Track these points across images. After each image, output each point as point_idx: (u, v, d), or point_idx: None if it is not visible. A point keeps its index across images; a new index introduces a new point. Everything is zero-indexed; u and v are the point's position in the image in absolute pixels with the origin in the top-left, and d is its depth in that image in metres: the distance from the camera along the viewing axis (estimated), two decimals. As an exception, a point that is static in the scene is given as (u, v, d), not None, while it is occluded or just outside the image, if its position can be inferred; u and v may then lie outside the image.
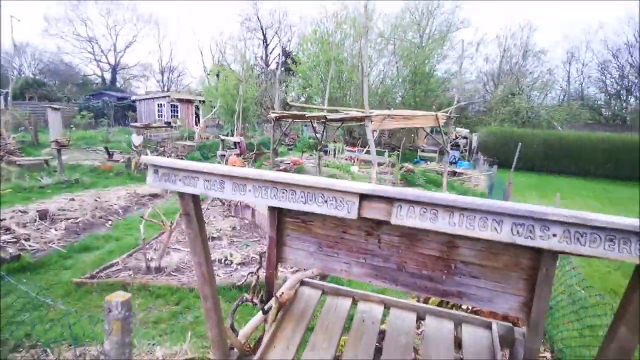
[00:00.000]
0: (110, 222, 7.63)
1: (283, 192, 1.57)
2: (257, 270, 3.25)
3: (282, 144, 25.53)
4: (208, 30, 68.83)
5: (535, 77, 29.38)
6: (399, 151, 19.13)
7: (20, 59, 39.39)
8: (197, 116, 35.11)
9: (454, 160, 19.42)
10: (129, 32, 48.58)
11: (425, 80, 22.66)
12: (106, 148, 14.10)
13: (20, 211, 6.94)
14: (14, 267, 5.17)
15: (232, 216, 8.53)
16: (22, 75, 37.77)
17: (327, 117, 6.82)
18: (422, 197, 1.38)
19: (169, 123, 18.59)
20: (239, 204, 8.76)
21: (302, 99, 35.66)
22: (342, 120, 6.55)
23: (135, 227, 7.48)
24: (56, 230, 6.52)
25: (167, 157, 13.90)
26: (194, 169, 1.70)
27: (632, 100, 35.31)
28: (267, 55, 46.17)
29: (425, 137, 25.83)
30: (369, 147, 15.17)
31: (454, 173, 15.30)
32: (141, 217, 5.66)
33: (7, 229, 6.10)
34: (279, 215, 2.95)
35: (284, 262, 3.19)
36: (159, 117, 32.11)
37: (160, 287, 4.92)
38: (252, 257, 6.18)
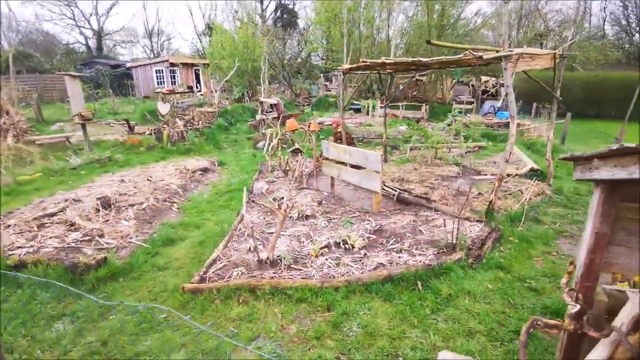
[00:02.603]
0: (176, 206, 6.51)
1: None
2: (567, 281, 2.20)
3: (297, 105, 23.97)
4: (194, -14, 63.77)
5: (562, 17, 27.34)
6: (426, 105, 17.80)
7: (-4, 31, 35.94)
8: (199, 80, 32.91)
9: (493, 111, 18.15)
10: (110, -8, 44.40)
11: (454, 26, 20.77)
12: (127, 121, 12.64)
13: (74, 200, 5.77)
14: (102, 276, 4.10)
15: (306, 188, 7.41)
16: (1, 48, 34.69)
17: (443, 60, 5.51)
18: None
19: (191, 87, 16.89)
20: (314, 173, 7.63)
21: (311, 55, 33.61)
22: (457, 64, 5.28)
23: (206, 209, 6.42)
24: (127, 220, 5.40)
25: (196, 125, 12.52)
26: None
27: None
28: (262, 10, 42.85)
29: (452, 88, 24.34)
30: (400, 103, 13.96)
31: (507, 125, 14.12)
32: (252, 200, 4.54)
33: (72, 224, 4.97)
34: (609, 197, 1.88)
35: (607, 268, 2.15)
36: (158, 84, 29.98)
37: (297, 289, 3.90)
38: (369, 237, 5.16)
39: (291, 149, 8.11)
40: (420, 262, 4.46)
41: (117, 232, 4.99)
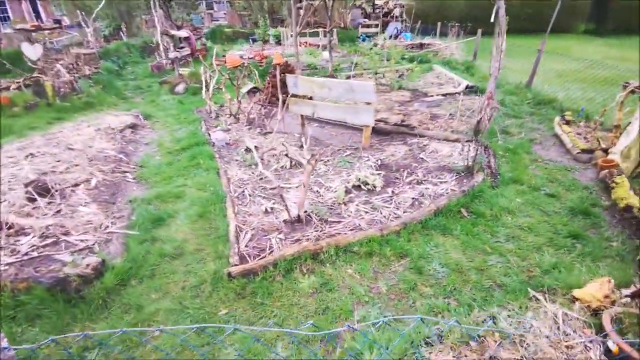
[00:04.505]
0: (130, 176, 5.14)
1: None
2: None
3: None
4: None
5: None
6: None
7: None
8: (38, 13, 25.47)
9: (397, 33, 18.53)
10: None
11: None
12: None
13: (-19, 193, 4.04)
14: (110, 284, 3.03)
15: (268, 132, 6.58)
16: None
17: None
18: None
19: (59, 21, 12.77)
20: (282, 113, 6.78)
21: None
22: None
23: (172, 173, 5.29)
24: (85, 206, 4.04)
25: (83, 72, 9.88)
26: None
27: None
28: None
29: (350, 12, 23.83)
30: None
31: (421, 45, 14.61)
32: (286, 154, 3.75)
33: (9, 226, 3.48)
34: None
35: None
36: (-23, 20, 22.37)
37: (361, 243, 3.51)
38: (378, 173, 4.90)
39: (247, 88, 6.95)
40: (449, 190, 4.44)
41: (85, 225, 3.70)
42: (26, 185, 3.99)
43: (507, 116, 7.27)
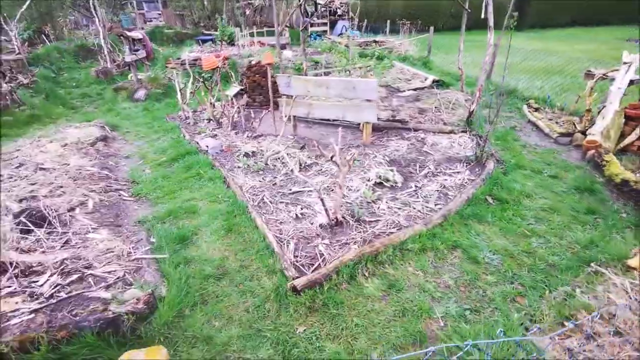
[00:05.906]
0: (125, 194, 4.58)
1: None
2: None
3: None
4: None
5: None
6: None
7: None
8: None
9: (345, 31, 18.82)
10: None
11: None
12: None
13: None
14: (169, 318, 2.65)
15: (261, 135, 6.29)
16: None
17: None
18: None
19: None
20: (272, 114, 6.51)
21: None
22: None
23: (173, 187, 4.88)
24: (94, 231, 3.50)
25: (21, 80, 8.68)
26: None
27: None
28: None
29: (295, 12, 23.68)
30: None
31: (374, 43, 14.96)
32: (332, 156, 3.57)
33: (14, 266, 2.90)
34: None
35: None
36: None
37: (413, 239, 3.49)
38: (393, 169, 4.92)
39: (234, 91, 6.52)
40: (466, 179, 4.60)
41: (105, 254, 3.21)
42: (16, 215, 3.36)
43: (483, 106, 7.73)
